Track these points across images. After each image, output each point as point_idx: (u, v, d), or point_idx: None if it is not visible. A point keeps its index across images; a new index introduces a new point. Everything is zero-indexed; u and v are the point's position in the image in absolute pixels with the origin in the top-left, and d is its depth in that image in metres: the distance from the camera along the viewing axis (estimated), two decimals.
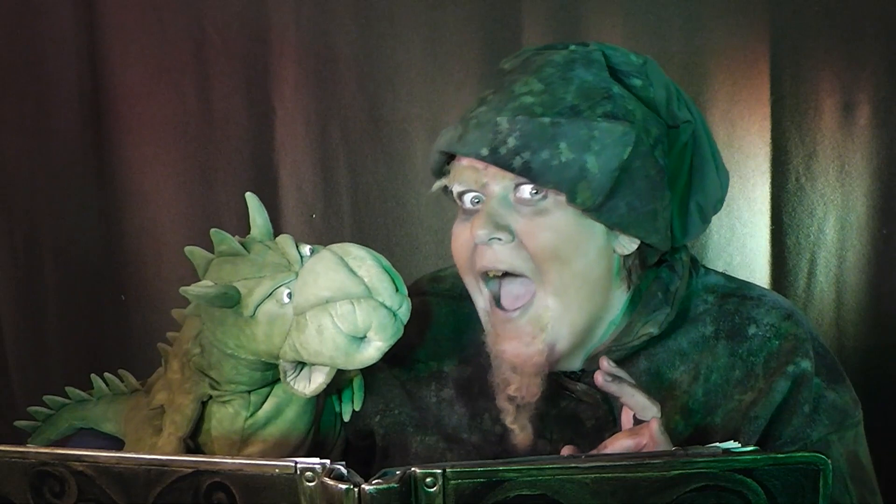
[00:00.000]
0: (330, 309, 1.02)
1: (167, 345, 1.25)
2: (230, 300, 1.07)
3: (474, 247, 1.18)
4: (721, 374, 1.22)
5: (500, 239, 1.16)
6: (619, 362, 1.16)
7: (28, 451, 0.92)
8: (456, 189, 1.21)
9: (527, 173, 1.13)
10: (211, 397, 1.17)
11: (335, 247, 1.07)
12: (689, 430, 1.20)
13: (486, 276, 1.20)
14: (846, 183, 1.92)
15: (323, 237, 2.08)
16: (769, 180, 1.94)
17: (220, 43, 2.06)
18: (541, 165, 1.13)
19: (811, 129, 1.92)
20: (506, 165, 1.14)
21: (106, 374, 1.35)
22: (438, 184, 1.26)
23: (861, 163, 1.91)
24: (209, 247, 1.13)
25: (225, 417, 1.16)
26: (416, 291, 1.37)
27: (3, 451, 0.92)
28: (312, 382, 1.11)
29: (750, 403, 1.20)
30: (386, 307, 1.03)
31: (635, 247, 1.21)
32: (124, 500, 0.90)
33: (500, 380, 1.20)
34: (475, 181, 1.17)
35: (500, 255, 1.17)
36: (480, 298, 1.23)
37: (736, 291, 1.27)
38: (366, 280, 1.03)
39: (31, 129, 2.12)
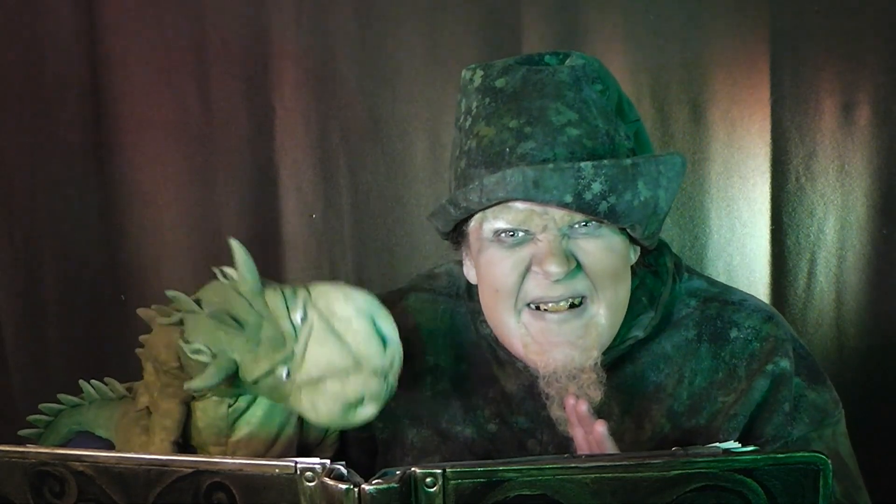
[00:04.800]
0: (321, 387, 1.06)
1: (141, 348, 1.26)
2: (230, 376, 1.09)
3: (523, 276, 1.17)
4: (705, 376, 1.24)
5: (571, 272, 1.15)
6: (605, 367, 1.19)
7: (28, 451, 0.93)
8: (498, 227, 1.17)
9: (610, 216, 1.13)
10: (194, 397, 1.18)
11: (321, 302, 1.07)
12: (675, 432, 1.21)
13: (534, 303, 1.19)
14: (846, 183, 1.92)
15: (323, 237, 2.08)
16: (769, 180, 1.94)
17: (220, 43, 2.06)
18: (625, 207, 1.13)
19: (811, 129, 1.92)
20: (591, 211, 1.13)
21: (93, 381, 1.36)
22: (448, 219, 1.22)
23: (861, 163, 1.91)
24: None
25: (209, 406, 1.18)
26: (413, 288, 1.39)
27: (3, 451, 0.92)
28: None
29: (732, 404, 1.22)
30: (375, 375, 1.05)
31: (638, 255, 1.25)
32: (124, 500, 0.90)
33: (553, 390, 1.19)
34: (533, 223, 1.15)
35: (567, 287, 1.16)
36: (513, 317, 1.20)
37: (718, 296, 1.29)
38: (353, 347, 1.05)
39: (31, 129, 2.12)
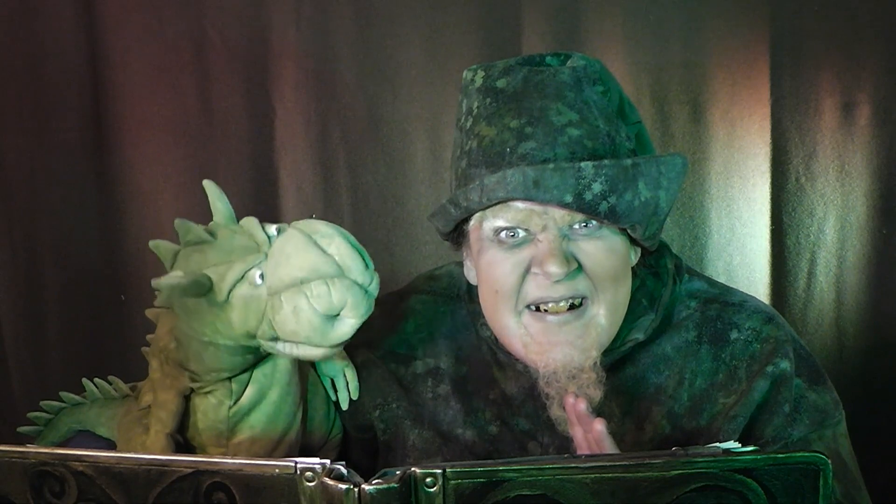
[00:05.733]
0: (305, 289, 1.03)
1: (147, 347, 1.25)
2: (203, 288, 1.07)
3: (523, 277, 1.17)
4: (705, 378, 1.24)
5: (572, 273, 1.15)
6: (606, 369, 1.19)
7: (28, 451, 0.92)
8: (497, 225, 1.18)
9: (611, 216, 1.13)
10: (193, 390, 1.18)
11: (301, 224, 1.07)
12: (676, 434, 1.21)
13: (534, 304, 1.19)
14: (846, 183, 1.93)
15: None
16: (769, 180, 1.94)
17: (220, 43, 2.06)
18: (626, 208, 1.13)
19: (811, 129, 1.92)
20: (591, 211, 1.13)
21: (96, 380, 1.35)
22: (449, 218, 1.22)
23: (861, 163, 1.91)
24: None
25: (209, 408, 1.17)
26: (413, 290, 1.39)
27: (3, 451, 0.92)
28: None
29: (732, 405, 1.22)
30: (358, 285, 1.03)
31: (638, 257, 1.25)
32: (124, 500, 0.90)
33: (553, 390, 1.18)
34: (533, 222, 1.15)
35: (568, 287, 1.16)
36: (514, 318, 1.20)
37: (718, 297, 1.29)
38: (336, 258, 1.03)
39: (31, 129, 2.12)
